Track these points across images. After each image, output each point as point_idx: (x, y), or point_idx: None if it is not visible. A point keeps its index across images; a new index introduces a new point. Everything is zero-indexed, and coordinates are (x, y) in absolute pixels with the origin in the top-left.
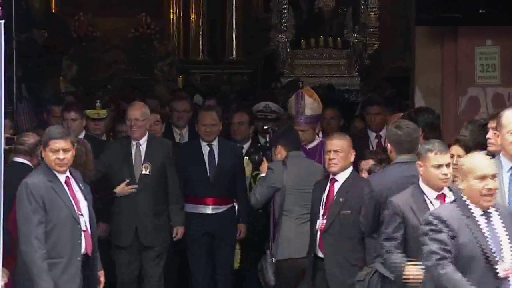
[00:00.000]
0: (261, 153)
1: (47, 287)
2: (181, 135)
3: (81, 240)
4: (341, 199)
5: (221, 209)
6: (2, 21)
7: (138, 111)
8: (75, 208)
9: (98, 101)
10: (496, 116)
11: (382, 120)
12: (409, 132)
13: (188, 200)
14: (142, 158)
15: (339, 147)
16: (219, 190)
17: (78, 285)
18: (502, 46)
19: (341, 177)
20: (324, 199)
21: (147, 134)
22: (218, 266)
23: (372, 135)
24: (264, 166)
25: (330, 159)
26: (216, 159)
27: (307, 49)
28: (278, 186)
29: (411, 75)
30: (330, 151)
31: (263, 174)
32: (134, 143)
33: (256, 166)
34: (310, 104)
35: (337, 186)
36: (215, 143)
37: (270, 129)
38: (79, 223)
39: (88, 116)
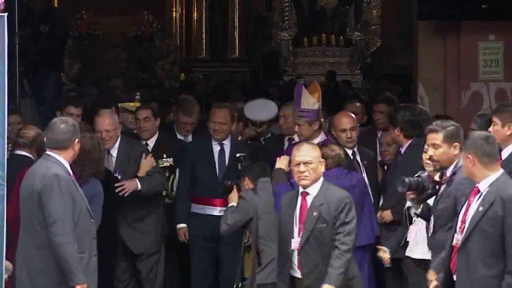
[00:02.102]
0: (234, 180)
1: (85, 280)
2: (186, 138)
3: (95, 236)
4: (314, 213)
5: None
6: (5, 14)
7: (107, 121)
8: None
9: (138, 94)
10: (501, 110)
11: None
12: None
13: (195, 200)
14: (113, 168)
15: (309, 158)
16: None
17: (96, 282)
18: (505, 41)
19: (313, 190)
20: (297, 215)
21: (118, 141)
22: (221, 272)
23: (379, 133)
24: (234, 195)
25: (300, 172)
26: (227, 160)
27: (309, 47)
28: (251, 214)
29: (414, 70)
30: (299, 164)
31: (233, 204)
32: (106, 153)
33: (227, 191)
34: (306, 98)
35: (309, 200)
36: (226, 143)
37: (241, 157)
38: (92, 218)
39: (126, 109)
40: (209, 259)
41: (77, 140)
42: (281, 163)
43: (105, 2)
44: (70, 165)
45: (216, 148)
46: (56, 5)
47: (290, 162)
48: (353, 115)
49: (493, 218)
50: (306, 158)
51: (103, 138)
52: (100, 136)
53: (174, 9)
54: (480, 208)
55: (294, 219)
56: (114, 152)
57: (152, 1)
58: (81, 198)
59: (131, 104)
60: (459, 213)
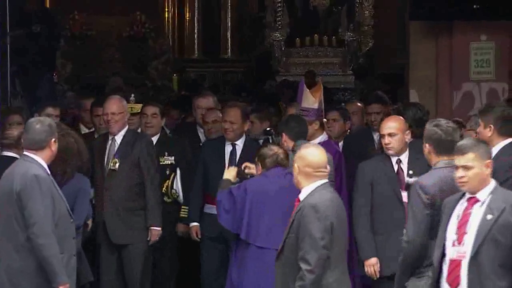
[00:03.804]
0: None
1: (68, 281)
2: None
3: (75, 235)
4: (293, 221)
5: None
6: None
7: (114, 105)
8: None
9: (132, 95)
10: (484, 111)
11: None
12: (449, 131)
13: (206, 200)
14: (114, 153)
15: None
16: None
17: (75, 282)
18: (496, 42)
19: (303, 195)
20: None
21: (125, 129)
22: None
23: (375, 134)
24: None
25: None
26: (237, 160)
27: (302, 47)
28: None
29: (406, 70)
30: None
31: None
32: (110, 138)
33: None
34: (306, 96)
35: (298, 206)
36: (239, 143)
37: (271, 131)
38: (72, 217)
39: None
40: (219, 259)
41: (53, 139)
42: (229, 174)
43: (98, 2)
44: (49, 165)
45: (228, 148)
46: (49, 5)
47: (237, 173)
48: (400, 120)
49: (504, 226)
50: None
51: (108, 121)
52: (105, 119)
53: (166, 9)
54: (489, 217)
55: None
56: (118, 139)
57: (145, 1)
58: (61, 198)
59: (128, 105)
60: (447, 225)
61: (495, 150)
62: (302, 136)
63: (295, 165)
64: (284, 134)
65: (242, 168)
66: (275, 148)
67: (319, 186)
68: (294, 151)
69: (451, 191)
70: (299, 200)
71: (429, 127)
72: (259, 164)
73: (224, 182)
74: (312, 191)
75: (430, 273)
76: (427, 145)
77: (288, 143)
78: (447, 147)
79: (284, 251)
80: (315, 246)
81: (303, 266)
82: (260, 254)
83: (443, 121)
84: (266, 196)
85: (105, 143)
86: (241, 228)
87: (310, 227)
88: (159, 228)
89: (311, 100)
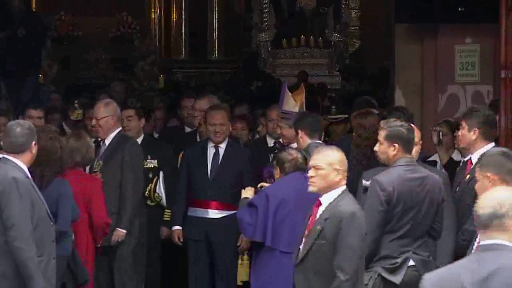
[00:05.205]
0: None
1: (44, 286)
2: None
3: (55, 238)
4: (318, 227)
5: (222, 214)
6: None
7: (98, 110)
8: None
9: (76, 102)
10: (468, 114)
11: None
12: (410, 129)
13: (190, 203)
14: (100, 155)
15: (319, 163)
16: (220, 195)
17: (54, 285)
18: (481, 44)
19: (327, 200)
20: (307, 226)
21: (115, 133)
22: (217, 277)
23: None
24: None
25: (310, 177)
26: (219, 162)
27: (289, 48)
28: None
29: (391, 73)
30: (311, 168)
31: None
32: (101, 142)
33: None
34: (288, 99)
35: (320, 211)
36: (222, 146)
37: (277, 145)
38: (52, 221)
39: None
40: (205, 262)
41: (34, 142)
42: (247, 193)
43: (84, 3)
44: (30, 168)
45: (211, 150)
46: (35, 6)
47: (255, 192)
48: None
49: None
50: (316, 162)
51: (93, 126)
52: (92, 124)
53: (153, 10)
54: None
55: (305, 228)
56: (107, 142)
57: (131, 2)
58: (40, 201)
59: (75, 113)
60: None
61: (477, 154)
62: (318, 131)
63: (328, 169)
64: (300, 130)
65: (259, 187)
66: (294, 153)
67: (344, 191)
68: (306, 152)
69: (408, 189)
70: (319, 205)
71: (393, 128)
72: (278, 169)
73: (243, 201)
74: (338, 197)
75: (378, 268)
76: (395, 145)
77: (304, 139)
78: (411, 145)
79: (308, 257)
80: (355, 256)
81: (341, 275)
82: (284, 259)
83: (398, 121)
84: (287, 201)
85: (99, 147)
86: (266, 235)
87: (350, 235)
88: (124, 231)
89: (291, 104)
